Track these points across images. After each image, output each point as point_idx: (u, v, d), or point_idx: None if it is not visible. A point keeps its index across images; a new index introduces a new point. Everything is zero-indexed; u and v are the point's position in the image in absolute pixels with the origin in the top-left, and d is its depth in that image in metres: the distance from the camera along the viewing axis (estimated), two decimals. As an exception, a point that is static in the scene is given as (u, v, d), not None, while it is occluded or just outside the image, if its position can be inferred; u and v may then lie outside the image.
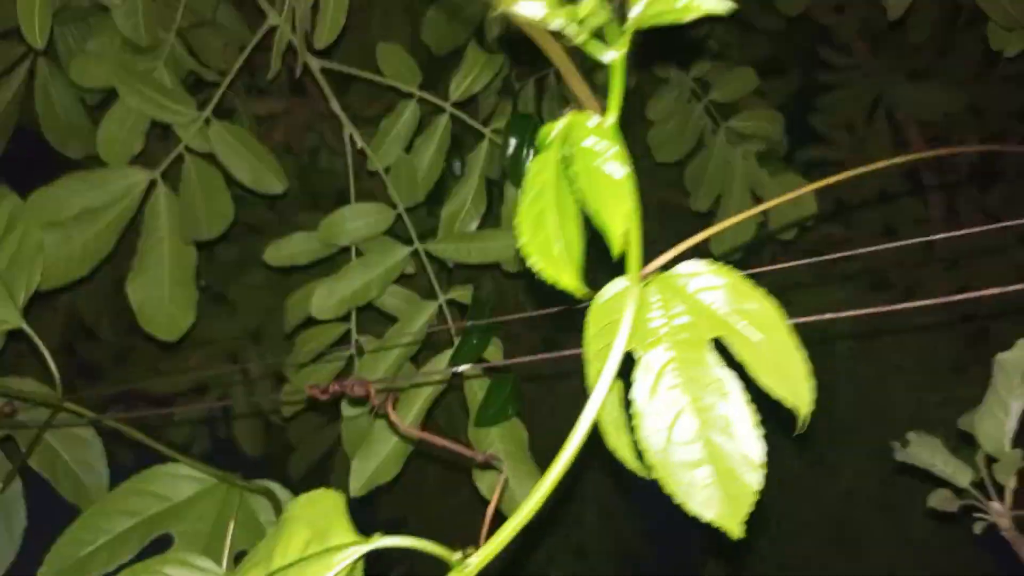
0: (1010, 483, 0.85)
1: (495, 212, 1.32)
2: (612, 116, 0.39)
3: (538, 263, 0.38)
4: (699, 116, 1.60)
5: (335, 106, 1.24)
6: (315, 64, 1.24)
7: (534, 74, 1.74)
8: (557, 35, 0.37)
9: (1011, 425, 0.85)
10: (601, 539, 2.68)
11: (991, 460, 0.86)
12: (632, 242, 0.43)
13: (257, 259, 1.29)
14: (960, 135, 2.28)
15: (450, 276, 1.38)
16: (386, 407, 0.66)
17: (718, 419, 0.47)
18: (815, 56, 2.31)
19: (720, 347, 0.48)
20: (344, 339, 1.29)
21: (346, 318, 1.26)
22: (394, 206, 1.24)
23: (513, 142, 1.20)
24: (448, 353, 1.13)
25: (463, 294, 1.16)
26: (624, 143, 0.38)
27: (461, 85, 1.29)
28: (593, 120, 0.38)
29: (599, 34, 0.37)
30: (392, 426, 0.78)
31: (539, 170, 0.38)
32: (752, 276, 0.48)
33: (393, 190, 1.23)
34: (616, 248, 0.38)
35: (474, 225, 1.30)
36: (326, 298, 1.14)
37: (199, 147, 1.21)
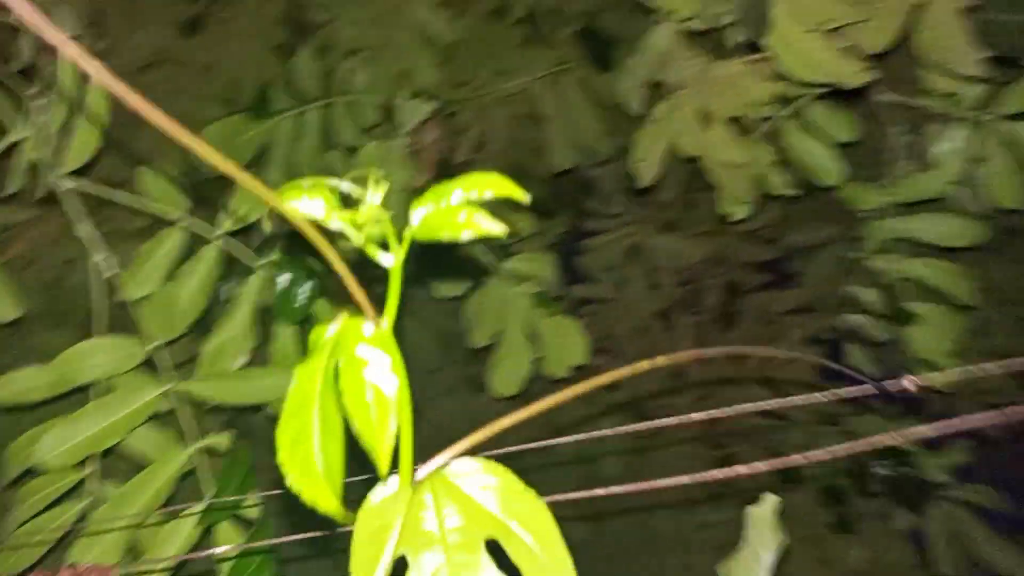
0: (760, 635, 0.89)
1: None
2: (388, 321, 0.37)
3: (296, 482, 0.34)
4: (478, 254, 1.64)
5: (83, 231, 1.13)
6: (64, 184, 1.12)
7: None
8: (334, 235, 0.35)
9: (763, 576, 0.91)
10: None
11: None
12: (404, 445, 0.41)
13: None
14: (704, 281, 2.54)
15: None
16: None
17: (490, 626, 0.45)
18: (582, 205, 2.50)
19: (494, 549, 0.46)
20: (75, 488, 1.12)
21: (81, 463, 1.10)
22: (146, 341, 1.12)
23: (285, 278, 1.15)
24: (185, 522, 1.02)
25: (220, 441, 1.06)
26: (399, 351, 0.36)
27: (234, 215, 1.22)
28: (368, 327, 0.36)
29: (379, 238, 0.36)
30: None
31: (305, 378, 0.35)
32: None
33: (146, 324, 1.12)
34: (383, 468, 0.35)
35: (240, 362, 1.21)
36: (58, 444, 0.99)
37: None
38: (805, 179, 1.66)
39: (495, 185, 0.35)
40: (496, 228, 0.34)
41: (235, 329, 1.21)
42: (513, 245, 1.68)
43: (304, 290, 1.15)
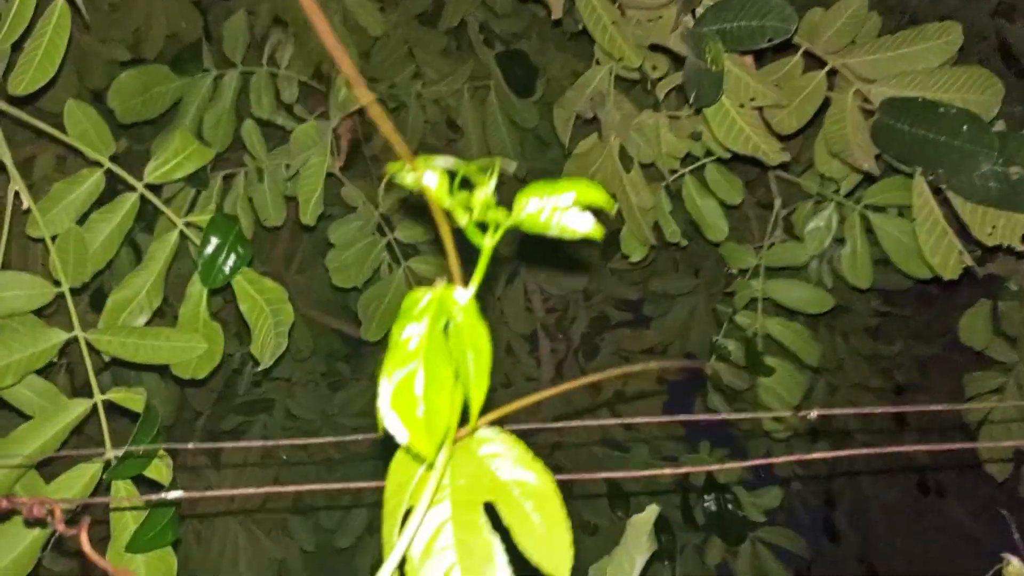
0: (628, 631, 0.99)
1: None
2: (472, 290, 0.42)
3: (397, 424, 0.39)
4: (381, 250, 1.68)
5: (4, 154, 1.07)
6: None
7: (226, 168, 1.69)
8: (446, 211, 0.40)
9: (635, 576, 1.01)
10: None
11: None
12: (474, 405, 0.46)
13: None
14: (572, 312, 2.69)
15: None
16: (81, 535, 0.56)
17: (482, 581, 0.50)
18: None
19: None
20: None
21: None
22: (56, 283, 1.07)
23: (214, 242, 1.14)
24: (89, 468, 0.99)
25: (128, 397, 1.03)
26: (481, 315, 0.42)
27: (160, 168, 1.20)
28: (461, 295, 0.41)
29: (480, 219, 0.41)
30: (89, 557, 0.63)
31: (410, 336, 0.39)
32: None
33: (58, 263, 1.07)
34: (474, 417, 0.40)
35: (143, 319, 1.18)
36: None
37: None
38: (689, 232, 1.82)
39: (592, 196, 0.41)
40: (597, 232, 0.41)
41: (143, 284, 1.18)
42: (417, 246, 1.72)
43: (232, 257, 1.14)
